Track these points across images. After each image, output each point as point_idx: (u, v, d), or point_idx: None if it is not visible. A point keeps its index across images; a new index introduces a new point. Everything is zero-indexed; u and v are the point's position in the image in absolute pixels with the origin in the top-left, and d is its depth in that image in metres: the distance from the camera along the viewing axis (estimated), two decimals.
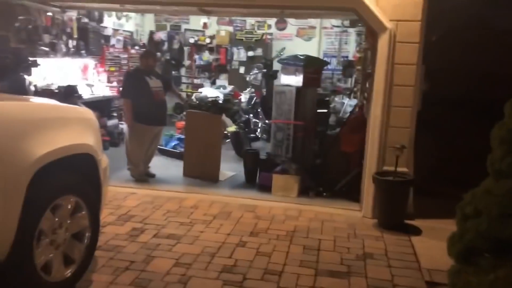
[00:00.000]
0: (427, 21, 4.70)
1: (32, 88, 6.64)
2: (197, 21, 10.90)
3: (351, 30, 9.73)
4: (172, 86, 6.82)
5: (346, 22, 9.13)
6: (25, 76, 6.43)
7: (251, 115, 8.43)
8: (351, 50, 10.35)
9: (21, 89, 6.20)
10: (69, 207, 2.98)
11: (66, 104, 3.64)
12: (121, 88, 6.35)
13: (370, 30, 5.00)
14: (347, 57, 10.34)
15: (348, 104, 8.05)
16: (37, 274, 2.72)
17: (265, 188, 5.63)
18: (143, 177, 5.96)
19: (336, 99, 8.72)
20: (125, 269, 3.37)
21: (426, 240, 4.26)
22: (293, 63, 6.18)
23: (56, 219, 2.88)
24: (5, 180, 2.41)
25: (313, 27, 10.78)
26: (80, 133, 3.20)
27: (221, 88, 10.04)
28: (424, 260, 3.79)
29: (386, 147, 4.78)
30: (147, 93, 5.87)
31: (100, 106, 7.84)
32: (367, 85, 5.52)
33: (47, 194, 2.78)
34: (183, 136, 7.02)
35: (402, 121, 4.76)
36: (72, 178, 3.05)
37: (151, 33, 11.30)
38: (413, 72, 4.70)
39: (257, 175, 6.01)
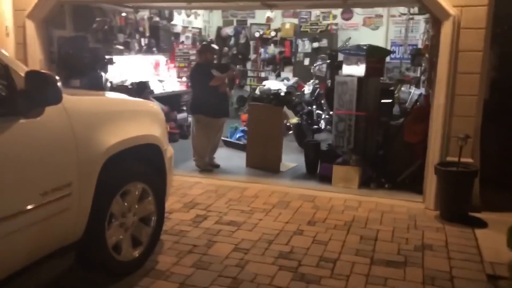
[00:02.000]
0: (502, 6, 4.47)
1: (108, 84, 7.15)
2: (262, 15, 11.06)
3: (419, 17, 9.40)
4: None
5: (414, 10, 8.84)
6: (102, 74, 6.94)
7: (314, 106, 8.44)
8: (419, 38, 10.00)
9: (99, 86, 6.71)
10: (137, 193, 3.25)
11: (135, 98, 3.94)
12: (191, 84, 6.58)
13: (434, 17, 4.87)
14: (416, 45, 10.00)
15: (414, 93, 7.83)
16: (109, 252, 3.02)
17: (326, 179, 5.67)
18: (208, 167, 6.23)
19: (403, 88, 8.49)
20: (188, 252, 3.60)
21: (491, 233, 4.11)
22: (355, 53, 6.12)
23: (125, 204, 3.15)
24: (80, 166, 2.70)
25: (380, 16, 10.54)
26: (147, 125, 3.47)
27: (285, 80, 10.13)
28: (487, 253, 3.68)
29: (450, 137, 4.65)
30: (212, 86, 6.10)
31: (170, 100, 8.27)
32: (433, 74, 5.36)
33: (117, 181, 3.06)
34: (246, 128, 7.22)
35: (467, 110, 4.59)
36: (140, 167, 3.32)
37: (219, 29, 11.63)
38: (479, 59, 4.52)
39: (318, 166, 6.06)
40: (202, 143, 6.23)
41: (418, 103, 6.23)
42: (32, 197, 2.41)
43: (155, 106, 3.92)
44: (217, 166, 6.37)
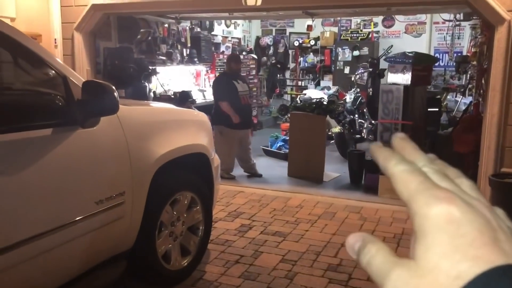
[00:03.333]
0: None
1: (151, 94, 7.27)
2: (301, 24, 11.01)
3: (465, 23, 9.12)
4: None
5: (459, 16, 8.59)
6: (146, 84, 7.07)
7: (356, 115, 8.31)
8: (465, 45, 9.71)
9: (143, 96, 6.84)
10: (186, 202, 3.26)
11: (181, 108, 3.97)
12: (213, 94, 6.47)
13: (486, 23, 4.69)
14: (460, 52, 9.72)
15: (462, 102, 7.58)
16: (159, 261, 3.02)
17: (371, 189, 5.54)
18: (229, 175, 6.11)
19: (449, 97, 8.25)
20: (235, 262, 3.57)
21: None
22: (400, 61, 5.99)
23: (174, 213, 3.16)
24: (133, 175, 2.72)
25: (423, 23, 10.32)
26: (195, 134, 3.48)
27: (325, 89, 10.04)
28: None
29: (505, 147, 4.45)
30: (235, 97, 6.04)
31: (211, 109, 8.32)
32: (483, 81, 5.18)
33: (167, 190, 3.08)
34: (287, 138, 7.17)
35: None
36: (188, 176, 3.33)
37: (258, 39, 11.68)
38: None
39: (363, 177, 5.93)
40: (226, 155, 6.11)
41: (468, 112, 6.01)
42: (88, 206, 2.44)
43: (201, 115, 3.94)
44: (259, 175, 6.32)
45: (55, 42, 6.25)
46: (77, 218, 2.37)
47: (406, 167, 0.35)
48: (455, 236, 0.30)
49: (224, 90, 6.15)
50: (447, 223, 0.30)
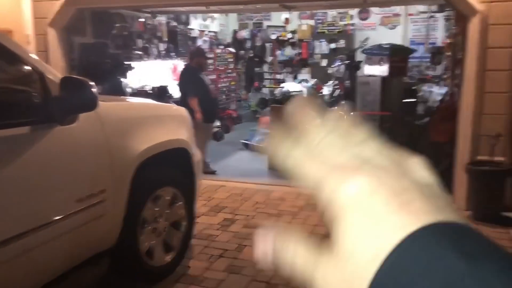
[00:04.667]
0: None
1: (128, 90, 7.18)
2: (278, 18, 11.03)
3: (439, 15, 9.28)
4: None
5: (434, 7, 8.73)
6: (122, 79, 6.98)
7: (335, 108, 8.38)
8: (439, 36, 9.88)
9: (119, 92, 6.74)
10: (168, 198, 3.24)
11: (160, 103, 3.93)
12: (182, 88, 6.22)
13: (459, 14, 4.78)
14: (435, 43, 9.89)
15: (437, 92, 7.71)
16: (142, 258, 3.00)
17: None
18: (209, 169, 6.02)
19: (425, 87, 8.38)
20: (219, 257, 3.57)
21: None
22: (377, 53, 6.07)
23: (157, 209, 3.14)
24: (114, 172, 2.69)
25: (398, 15, 10.44)
26: (175, 129, 3.45)
27: (303, 82, 10.08)
28: None
29: (480, 135, 4.55)
30: (206, 91, 5.93)
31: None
32: (458, 71, 5.27)
33: (149, 186, 3.05)
34: (267, 131, 7.17)
35: (497, 108, 4.49)
36: (170, 171, 3.30)
37: (235, 32, 11.64)
38: (508, 55, 4.42)
39: None
40: (201, 149, 5.99)
41: (443, 102, 6.13)
42: (69, 204, 2.40)
43: (181, 109, 3.90)
44: (213, 172, 6.17)
45: (28, 39, 6.11)
46: (57, 217, 2.33)
47: (298, 156, 0.32)
48: (366, 212, 0.28)
49: (196, 85, 5.94)
50: (355, 201, 0.29)
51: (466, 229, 0.27)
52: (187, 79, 6.13)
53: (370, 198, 0.29)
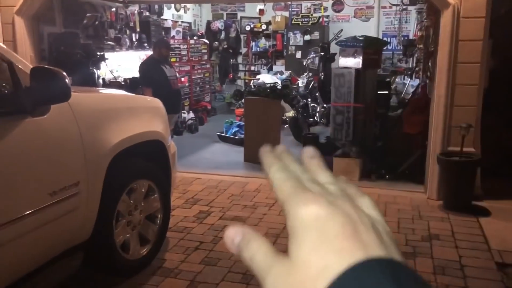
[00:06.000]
0: None
1: (101, 81, 7.03)
2: (252, 9, 10.98)
3: (411, 8, 9.40)
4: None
5: (406, 0, 8.83)
6: (94, 70, 6.82)
7: (309, 99, 8.41)
8: (411, 29, 10.02)
9: (91, 83, 6.59)
10: (143, 190, 3.19)
11: (135, 94, 3.86)
12: (139, 78, 6.28)
13: (432, 7, 4.85)
14: (407, 36, 10.03)
15: (410, 84, 7.83)
16: (117, 251, 2.96)
17: None
18: None
19: (397, 79, 8.50)
20: (195, 249, 3.55)
21: (496, 222, 4.13)
22: (352, 45, 6.09)
23: (131, 202, 3.09)
24: (87, 165, 2.63)
25: (371, 7, 10.54)
26: (149, 120, 3.40)
27: (278, 73, 10.08)
28: (494, 242, 3.69)
29: (451, 127, 4.66)
30: (165, 82, 5.92)
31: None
32: (430, 64, 5.37)
33: (124, 178, 3.00)
34: (242, 123, 7.17)
35: (468, 100, 4.60)
36: (145, 163, 3.25)
37: (208, 23, 11.53)
38: (479, 48, 4.52)
39: None
40: None
41: (416, 94, 6.23)
42: (41, 197, 2.34)
43: (155, 101, 3.85)
44: None
45: None
46: (30, 211, 2.26)
47: (283, 175, 0.38)
48: (321, 232, 0.32)
49: (152, 76, 5.94)
50: (314, 221, 0.33)
51: (404, 266, 0.31)
52: (144, 70, 6.12)
53: (328, 221, 0.33)
